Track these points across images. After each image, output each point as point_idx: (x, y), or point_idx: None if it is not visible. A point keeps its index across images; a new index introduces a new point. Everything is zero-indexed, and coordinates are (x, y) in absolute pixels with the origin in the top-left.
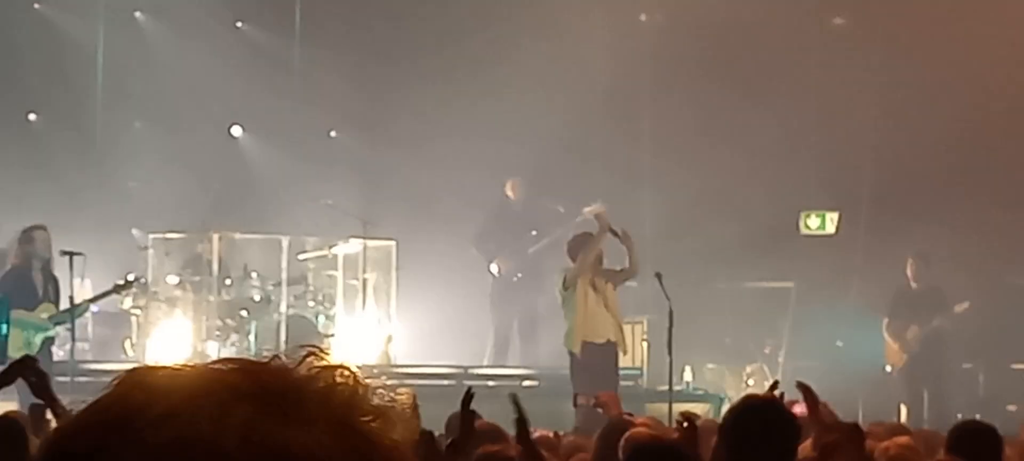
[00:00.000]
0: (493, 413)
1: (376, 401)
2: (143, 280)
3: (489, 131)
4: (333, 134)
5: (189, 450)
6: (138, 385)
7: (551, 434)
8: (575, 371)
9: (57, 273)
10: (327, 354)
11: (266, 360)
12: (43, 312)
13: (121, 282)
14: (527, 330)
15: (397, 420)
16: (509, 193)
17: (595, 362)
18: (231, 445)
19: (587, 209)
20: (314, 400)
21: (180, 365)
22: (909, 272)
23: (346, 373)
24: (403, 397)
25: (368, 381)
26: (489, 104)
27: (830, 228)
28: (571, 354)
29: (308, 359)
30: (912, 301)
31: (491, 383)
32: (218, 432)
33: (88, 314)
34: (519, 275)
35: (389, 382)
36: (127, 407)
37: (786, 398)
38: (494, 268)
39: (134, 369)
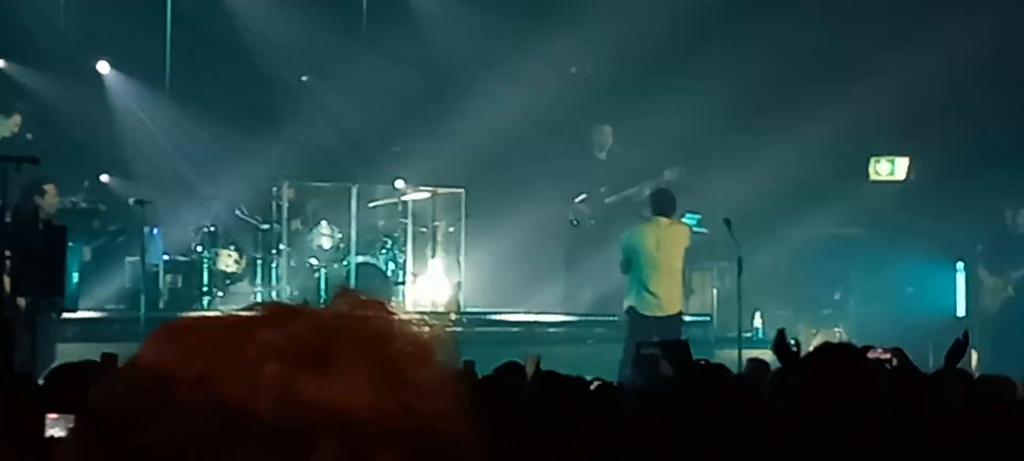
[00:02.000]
0: (562, 357)
1: (413, 339)
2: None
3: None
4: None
5: (222, 414)
6: (170, 344)
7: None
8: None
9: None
10: (358, 293)
11: (298, 307)
12: None
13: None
14: (596, 277)
15: (434, 352)
16: (598, 139)
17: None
18: (264, 407)
19: (667, 172)
20: (347, 345)
21: (211, 318)
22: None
23: (379, 310)
24: (437, 329)
25: (408, 324)
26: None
27: (900, 174)
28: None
29: (339, 300)
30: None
31: (559, 330)
32: (250, 394)
33: (160, 262)
34: (593, 221)
35: (458, 329)
36: (160, 369)
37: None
38: (572, 215)
39: (165, 326)
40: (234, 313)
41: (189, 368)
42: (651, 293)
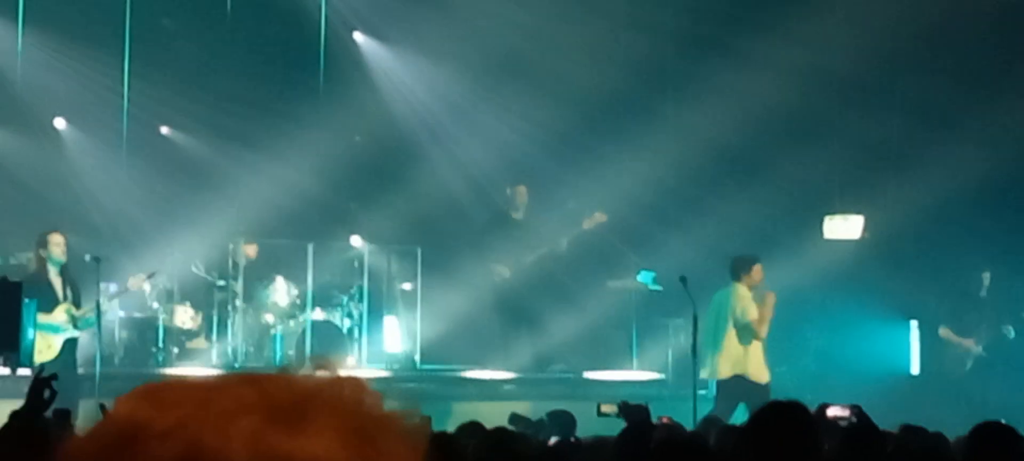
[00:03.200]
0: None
1: (385, 411)
2: (156, 275)
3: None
4: (357, 139)
5: None
6: (145, 399)
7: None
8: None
9: (80, 277)
10: (335, 364)
11: (274, 373)
12: (61, 313)
13: (144, 275)
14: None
15: (407, 430)
16: (512, 198)
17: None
18: (237, 456)
19: (586, 221)
20: (322, 411)
21: (187, 379)
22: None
23: (354, 384)
24: (412, 409)
25: (376, 391)
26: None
27: (854, 232)
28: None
29: (316, 370)
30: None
31: (513, 387)
32: (224, 443)
33: (115, 318)
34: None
35: (414, 385)
36: (134, 422)
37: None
38: (503, 271)
39: (143, 386)
40: (212, 376)
41: (164, 418)
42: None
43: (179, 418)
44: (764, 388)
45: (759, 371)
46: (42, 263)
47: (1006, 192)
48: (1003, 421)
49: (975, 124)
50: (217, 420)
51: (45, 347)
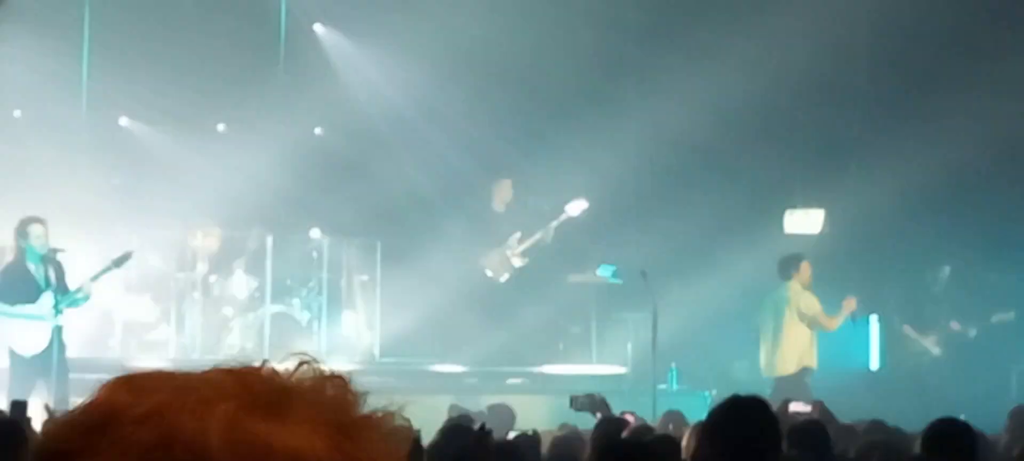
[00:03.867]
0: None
1: (364, 404)
2: (131, 256)
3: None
4: (317, 131)
5: (172, 447)
6: (123, 387)
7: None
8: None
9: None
10: (318, 361)
11: (255, 365)
12: (46, 303)
13: (116, 258)
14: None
15: (390, 428)
16: (497, 193)
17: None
18: (214, 442)
19: (569, 206)
20: (302, 403)
21: (167, 370)
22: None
23: (337, 381)
24: (396, 407)
25: (359, 391)
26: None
27: (815, 227)
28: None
29: (299, 367)
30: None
31: (474, 380)
32: (201, 429)
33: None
34: (505, 276)
35: (373, 378)
36: (112, 407)
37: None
38: (487, 270)
39: (120, 376)
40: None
41: (141, 403)
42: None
43: (156, 404)
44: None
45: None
46: (21, 253)
47: (966, 187)
48: (962, 417)
49: (935, 119)
50: (194, 406)
51: (33, 339)
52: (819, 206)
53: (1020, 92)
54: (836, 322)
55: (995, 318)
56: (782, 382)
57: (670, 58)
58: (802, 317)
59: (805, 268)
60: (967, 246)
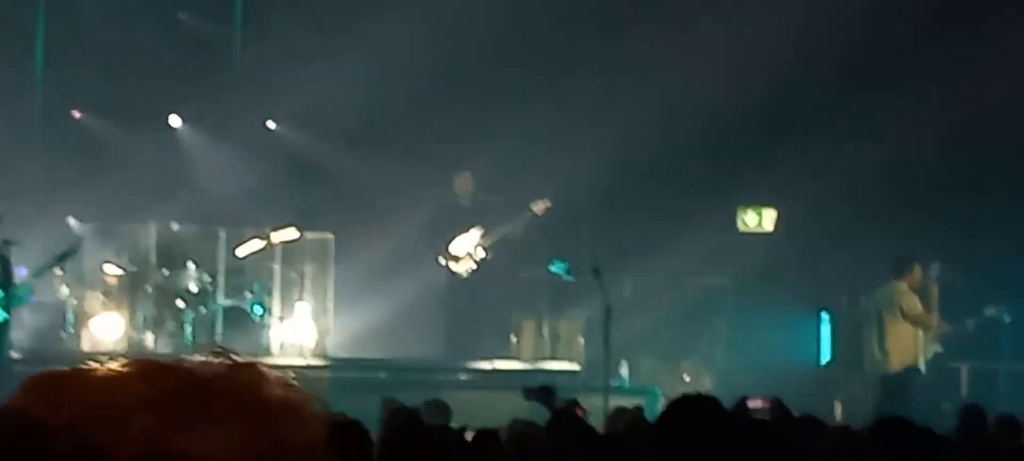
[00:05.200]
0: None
1: (284, 396)
2: (76, 250)
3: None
4: (271, 125)
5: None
6: (38, 396)
7: None
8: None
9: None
10: (233, 353)
11: (171, 363)
12: None
13: (60, 252)
14: (471, 326)
15: (306, 409)
16: (458, 185)
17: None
18: (132, 457)
19: (535, 204)
20: (219, 400)
21: (83, 370)
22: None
23: (251, 370)
24: (310, 392)
25: (276, 376)
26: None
27: (768, 225)
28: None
29: (215, 359)
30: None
31: (427, 376)
32: (119, 443)
33: (26, 302)
34: (467, 271)
35: (322, 374)
36: (26, 419)
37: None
38: (448, 264)
39: (36, 377)
40: (108, 367)
41: (60, 415)
42: None
43: (72, 416)
44: (927, 376)
45: (923, 362)
46: None
47: (917, 183)
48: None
49: (886, 116)
50: (111, 419)
51: None
52: (772, 205)
53: (961, 88)
54: (933, 320)
55: (969, 322)
56: (889, 380)
57: (626, 51)
58: (905, 316)
59: (917, 271)
60: (913, 236)
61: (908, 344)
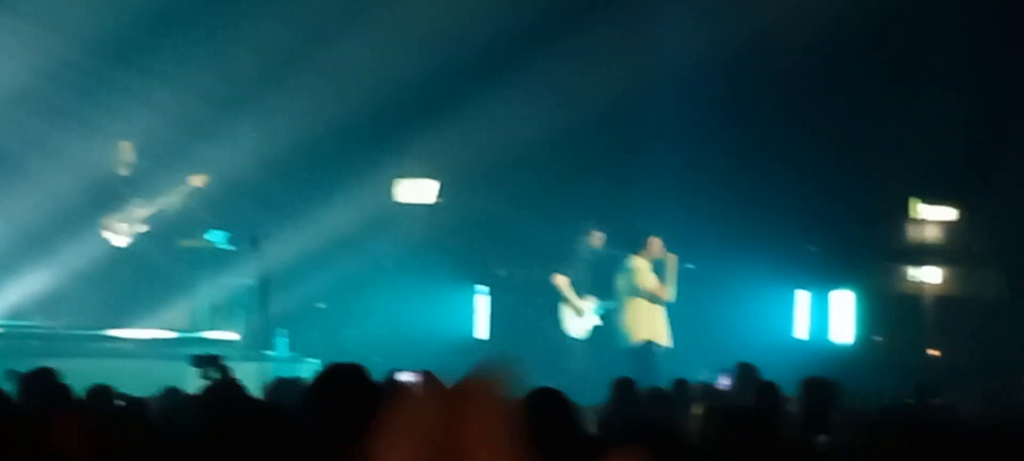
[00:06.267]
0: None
1: None
2: None
3: None
4: None
5: None
6: None
7: None
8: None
9: None
10: None
11: None
12: None
13: None
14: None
15: None
16: (119, 155)
17: None
18: None
19: (193, 179)
20: None
21: None
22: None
23: None
24: None
25: None
26: None
27: (429, 196)
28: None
29: None
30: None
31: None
32: None
33: None
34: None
35: None
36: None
37: None
38: (107, 234)
39: None
40: None
41: None
42: None
43: None
44: (667, 351)
45: (664, 336)
46: None
47: (578, 155)
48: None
49: (543, 88)
50: None
51: None
52: (434, 177)
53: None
54: (668, 293)
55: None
56: (635, 352)
57: (291, 32)
58: (639, 292)
59: (653, 244)
60: (583, 213)
61: (645, 319)
